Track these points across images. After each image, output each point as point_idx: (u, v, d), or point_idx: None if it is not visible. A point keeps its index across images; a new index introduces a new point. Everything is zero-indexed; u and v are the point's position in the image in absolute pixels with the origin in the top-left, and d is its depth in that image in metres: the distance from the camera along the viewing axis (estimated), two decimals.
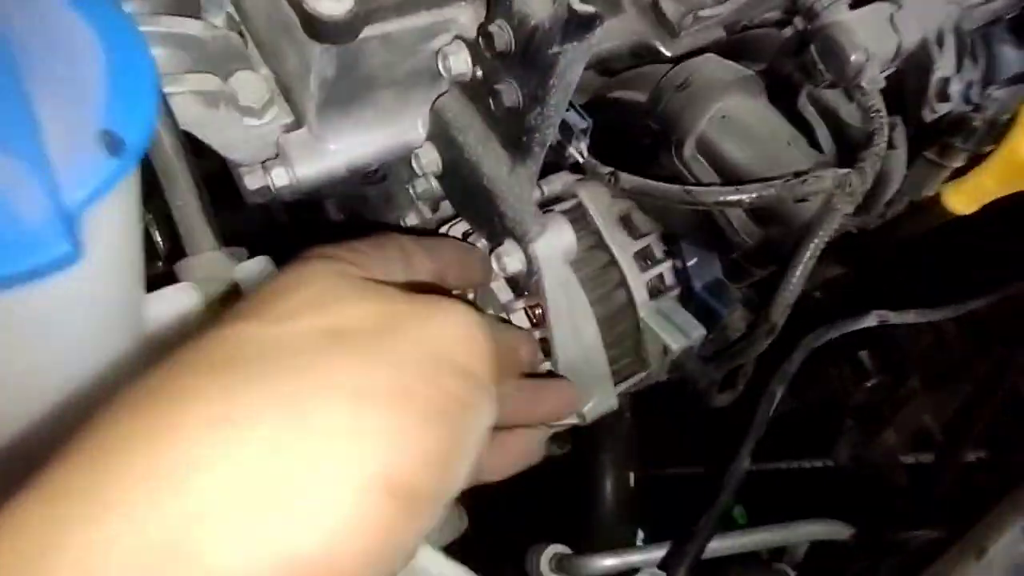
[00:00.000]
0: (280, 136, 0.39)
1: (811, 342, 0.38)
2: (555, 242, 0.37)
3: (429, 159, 0.41)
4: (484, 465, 0.31)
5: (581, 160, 0.37)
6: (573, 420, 0.45)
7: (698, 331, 0.44)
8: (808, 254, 0.33)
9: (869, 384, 0.57)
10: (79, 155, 0.17)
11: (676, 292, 0.47)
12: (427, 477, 0.19)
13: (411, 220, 0.50)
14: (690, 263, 0.47)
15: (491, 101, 0.34)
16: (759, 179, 0.32)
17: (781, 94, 0.41)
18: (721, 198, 0.31)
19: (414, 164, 0.42)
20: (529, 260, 0.37)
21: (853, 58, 0.35)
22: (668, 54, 0.40)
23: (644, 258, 0.46)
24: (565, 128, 0.37)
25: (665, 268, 0.46)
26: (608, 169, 0.35)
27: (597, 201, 0.45)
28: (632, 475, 0.59)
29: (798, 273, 0.34)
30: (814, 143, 0.41)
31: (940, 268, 0.54)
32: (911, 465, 0.55)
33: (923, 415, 0.55)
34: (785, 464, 0.57)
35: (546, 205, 0.45)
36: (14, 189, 0.16)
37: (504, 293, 0.43)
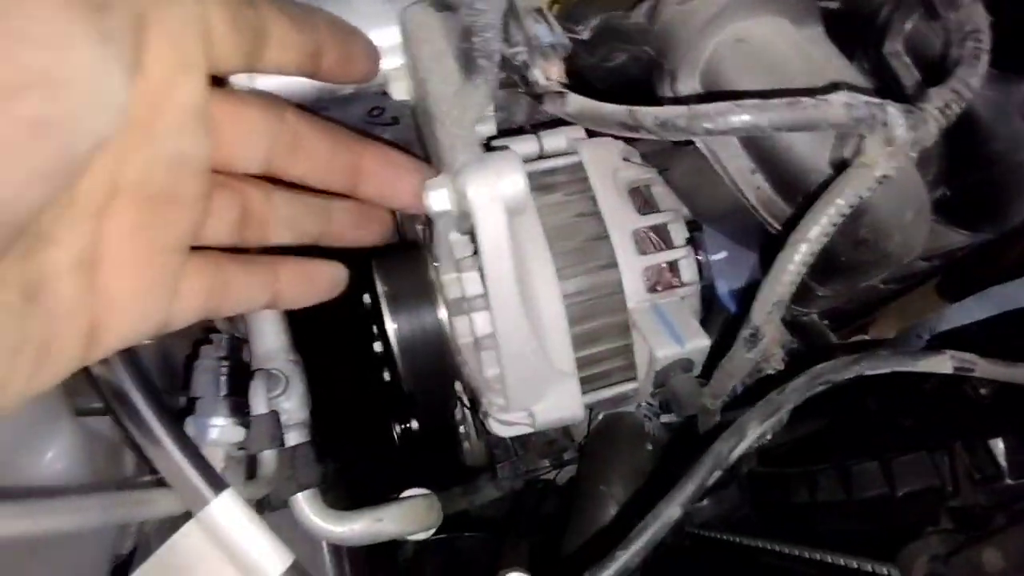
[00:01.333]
0: None
1: (825, 373, 0.26)
2: (492, 180, 0.29)
3: (399, 83, 0.35)
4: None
5: (542, 82, 0.29)
6: (524, 422, 0.37)
7: (697, 342, 0.33)
8: (809, 230, 0.22)
9: (995, 484, 0.40)
10: None
11: (694, 290, 0.36)
12: None
13: None
14: (715, 257, 0.36)
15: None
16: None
17: (861, 36, 0.29)
18: (670, 121, 0.22)
19: (387, 90, 0.36)
20: (457, 198, 0.30)
21: None
22: None
23: (650, 240, 0.36)
24: (531, 44, 0.29)
25: (680, 258, 0.36)
26: (556, 89, 0.27)
27: (601, 162, 0.37)
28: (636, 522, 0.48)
29: (794, 257, 0.23)
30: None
31: None
32: None
33: None
34: (826, 557, 0.42)
35: (543, 159, 0.37)
36: None
37: (460, 248, 0.36)
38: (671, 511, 0.27)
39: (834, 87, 0.22)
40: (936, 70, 0.28)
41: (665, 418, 0.52)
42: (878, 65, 0.29)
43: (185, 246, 0.22)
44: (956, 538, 0.36)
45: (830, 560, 0.41)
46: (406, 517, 0.48)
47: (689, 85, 0.28)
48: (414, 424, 0.54)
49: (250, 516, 0.26)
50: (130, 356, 0.26)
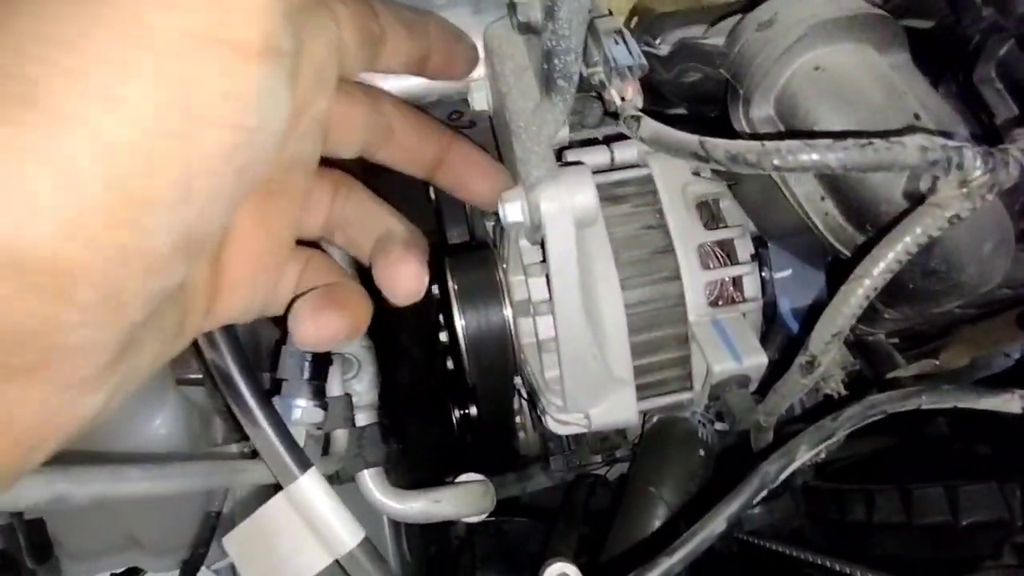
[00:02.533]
0: None
1: (881, 404, 0.26)
2: (563, 195, 0.31)
3: (479, 94, 0.37)
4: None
5: (618, 103, 0.30)
6: (580, 424, 0.38)
7: (755, 359, 0.34)
8: (875, 267, 0.23)
9: None
10: None
11: (757, 306, 0.37)
12: (83, 250, 0.14)
13: None
14: (780, 275, 0.37)
15: (513, 19, 0.30)
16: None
17: (951, 59, 0.29)
18: (741, 156, 0.22)
19: (468, 99, 0.38)
20: (530, 210, 0.31)
21: None
22: None
23: (714, 255, 0.37)
24: (608, 65, 0.30)
25: (744, 273, 0.36)
26: (632, 112, 0.28)
27: (670, 176, 0.37)
28: (683, 526, 0.49)
29: (856, 293, 0.23)
30: (991, 133, 0.28)
31: None
32: None
33: None
34: None
35: (614, 171, 0.38)
36: None
37: (529, 255, 0.37)
38: (716, 525, 0.28)
39: (911, 126, 0.22)
40: None
41: (719, 425, 0.52)
42: (967, 91, 0.29)
43: (292, 237, 0.25)
44: (1017, 574, 0.35)
45: None
46: (462, 500, 0.50)
47: (763, 110, 0.28)
48: (472, 411, 0.56)
49: (330, 494, 0.28)
50: (232, 335, 0.29)
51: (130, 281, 0.15)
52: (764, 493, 0.27)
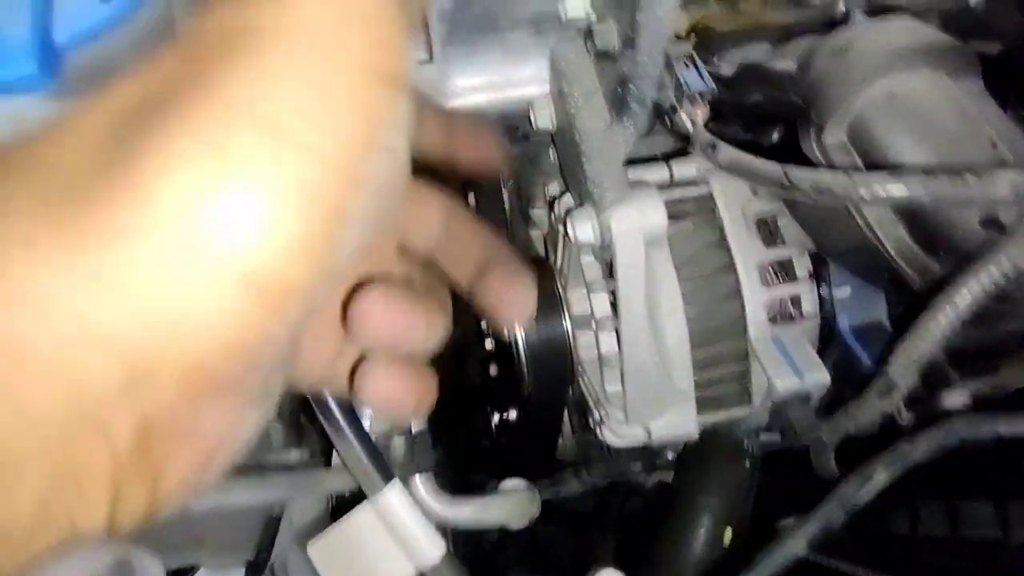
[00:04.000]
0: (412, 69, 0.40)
1: (960, 429, 0.27)
2: (634, 216, 0.31)
3: (543, 112, 0.38)
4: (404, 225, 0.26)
5: (690, 128, 0.31)
6: (639, 436, 0.39)
7: (817, 376, 0.34)
8: (958, 296, 0.23)
9: None
10: None
11: (814, 324, 0.37)
12: (300, 267, 0.15)
13: (553, 190, 0.48)
14: (840, 294, 0.37)
15: (587, 44, 0.30)
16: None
17: (1017, 86, 0.30)
18: (827, 188, 0.23)
19: (530, 117, 0.39)
20: (601, 231, 0.32)
21: None
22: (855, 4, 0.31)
23: (775, 272, 0.37)
24: (680, 89, 0.31)
25: (803, 291, 0.37)
26: (708, 138, 0.29)
27: (731, 194, 0.38)
28: (729, 532, 0.49)
29: (939, 320, 0.24)
30: None
31: None
32: None
33: None
34: None
35: (675, 188, 0.39)
36: (9, 10, 0.18)
37: (592, 271, 0.38)
38: (796, 544, 0.28)
39: (999, 160, 0.23)
40: None
41: (764, 436, 0.52)
42: None
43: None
44: None
45: None
46: (511, 508, 0.51)
47: (836, 136, 0.29)
48: (511, 415, 0.57)
49: (414, 506, 0.29)
50: None
51: (319, 297, 0.16)
52: (843, 516, 0.28)
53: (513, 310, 0.27)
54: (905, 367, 0.25)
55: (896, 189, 0.22)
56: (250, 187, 0.15)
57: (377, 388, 0.24)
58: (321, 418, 0.28)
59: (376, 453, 0.29)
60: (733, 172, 0.27)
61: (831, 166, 0.29)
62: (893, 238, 0.29)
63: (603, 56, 0.30)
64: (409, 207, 0.27)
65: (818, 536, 0.28)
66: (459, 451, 0.67)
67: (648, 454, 0.61)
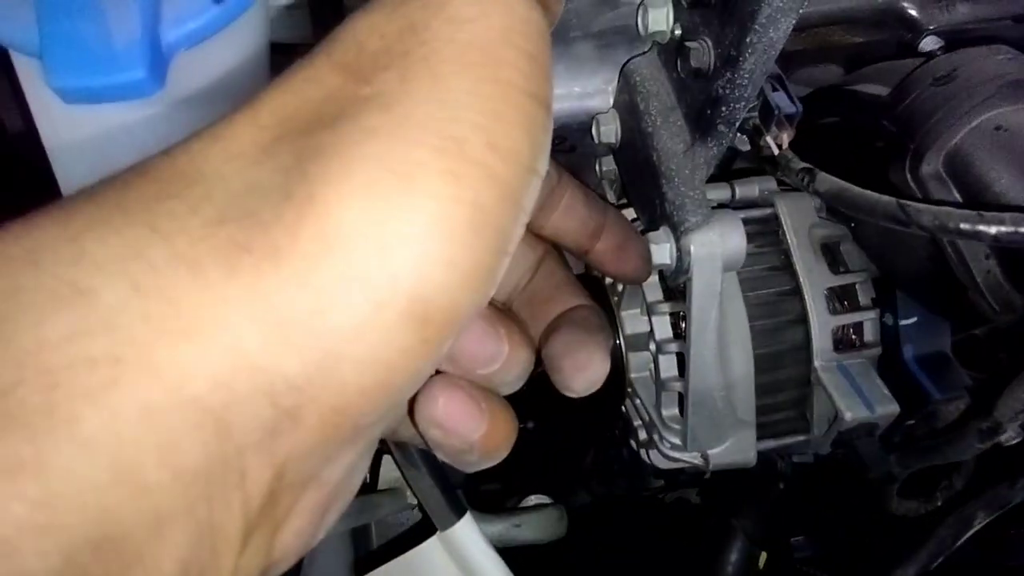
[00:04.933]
0: None
1: None
2: (715, 241, 0.30)
3: (608, 127, 0.37)
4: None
5: (776, 151, 0.30)
6: (695, 462, 0.38)
7: (887, 407, 0.34)
8: None
9: None
10: None
11: (875, 352, 0.37)
12: (465, 295, 0.14)
13: None
14: (905, 322, 0.37)
15: (679, 63, 0.29)
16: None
17: None
18: (952, 224, 0.22)
19: (593, 130, 0.38)
20: (679, 254, 0.31)
21: None
22: (929, 27, 0.30)
23: (840, 299, 0.37)
24: (767, 111, 0.30)
25: (867, 319, 0.36)
26: (803, 165, 0.28)
27: (797, 217, 0.37)
28: (764, 556, 0.49)
29: None
30: None
31: None
32: None
33: None
34: None
35: (737, 209, 0.38)
36: (116, 9, 0.17)
37: (653, 292, 0.37)
38: None
39: None
40: None
41: (796, 458, 0.52)
42: None
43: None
44: None
45: None
46: (540, 526, 0.50)
47: (932, 167, 0.28)
48: (529, 425, 0.56)
49: (484, 541, 0.28)
50: None
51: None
52: (941, 559, 0.27)
53: (573, 377, 0.25)
54: (1016, 410, 0.24)
55: (993, 227, 0.21)
56: (431, 210, 0.14)
57: (439, 407, 0.21)
58: (392, 448, 0.26)
59: (448, 486, 0.28)
60: (833, 201, 0.26)
61: (925, 197, 0.28)
62: (983, 271, 0.29)
63: (693, 75, 0.29)
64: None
65: None
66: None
67: (673, 472, 0.61)
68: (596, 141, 0.38)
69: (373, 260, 0.13)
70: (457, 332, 0.15)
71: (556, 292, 0.27)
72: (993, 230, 0.21)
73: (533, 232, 0.28)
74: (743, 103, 0.28)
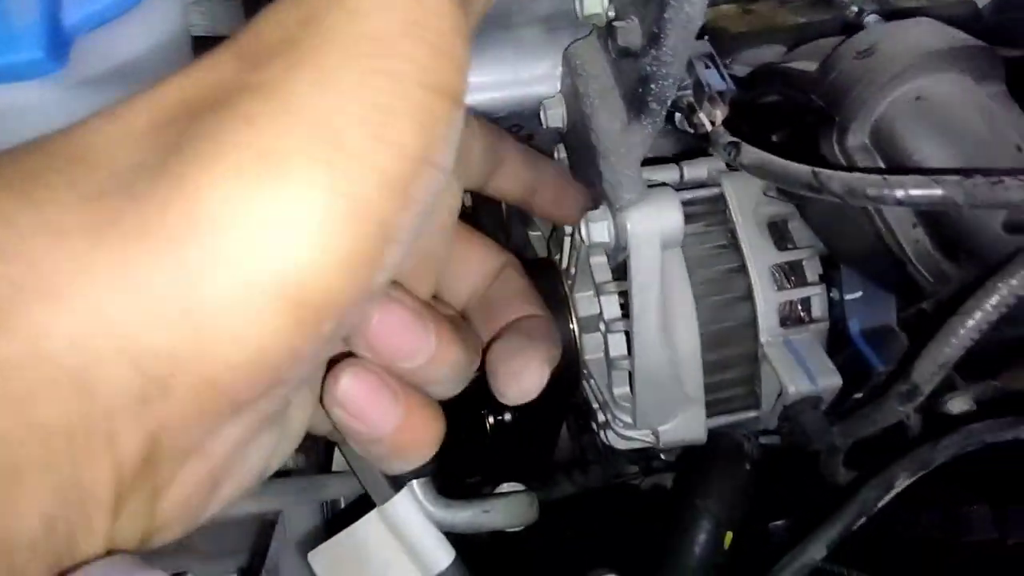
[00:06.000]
0: None
1: (981, 434, 0.27)
2: (652, 218, 0.31)
3: (555, 111, 0.37)
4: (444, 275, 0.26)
5: (709, 128, 0.30)
6: (647, 440, 0.39)
7: (830, 380, 0.34)
8: (990, 301, 0.23)
9: None
10: None
11: (823, 328, 0.37)
12: (342, 281, 0.15)
13: None
14: (850, 297, 0.37)
15: (610, 43, 0.30)
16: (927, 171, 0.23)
17: None
18: (859, 189, 0.23)
19: (541, 116, 0.38)
20: (617, 231, 0.32)
21: None
22: (855, 4, 0.30)
23: (786, 275, 0.37)
24: (699, 88, 0.31)
25: (813, 294, 0.37)
26: (730, 138, 0.28)
27: (743, 196, 0.38)
28: (730, 535, 0.49)
29: (967, 325, 0.24)
30: None
31: None
32: None
33: None
34: None
35: (686, 190, 0.39)
36: None
37: (602, 272, 0.38)
38: (815, 550, 0.28)
39: (1017, 152, 0.23)
40: None
41: (763, 439, 0.52)
42: None
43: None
44: None
45: None
46: (510, 512, 0.51)
47: (858, 139, 0.29)
48: (507, 416, 0.56)
49: (422, 513, 0.28)
50: None
51: (353, 316, 0.16)
52: (863, 520, 0.28)
53: (508, 384, 0.25)
54: (931, 372, 0.25)
55: (932, 191, 0.21)
56: (303, 198, 0.14)
57: (340, 386, 0.21)
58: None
59: None
60: (757, 173, 0.27)
61: (852, 168, 0.29)
62: (911, 241, 0.29)
63: (622, 55, 0.30)
64: (453, 252, 0.26)
65: (837, 542, 0.28)
66: (451, 454, 0.66)
67: (646, 456, 0.61)
68: (544, 126, 0.38)
69: (240, 241, 0.14)
70: (342, 318, 0.15)
71: (511, 300, 0.28)
72: (898, 193, 0.22)
73: (494, 241, 0.29)
74: (671, 80, 0.28)
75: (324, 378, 0.21)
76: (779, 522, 0.60)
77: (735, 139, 0.28)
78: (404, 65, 0.15)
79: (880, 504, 0.27)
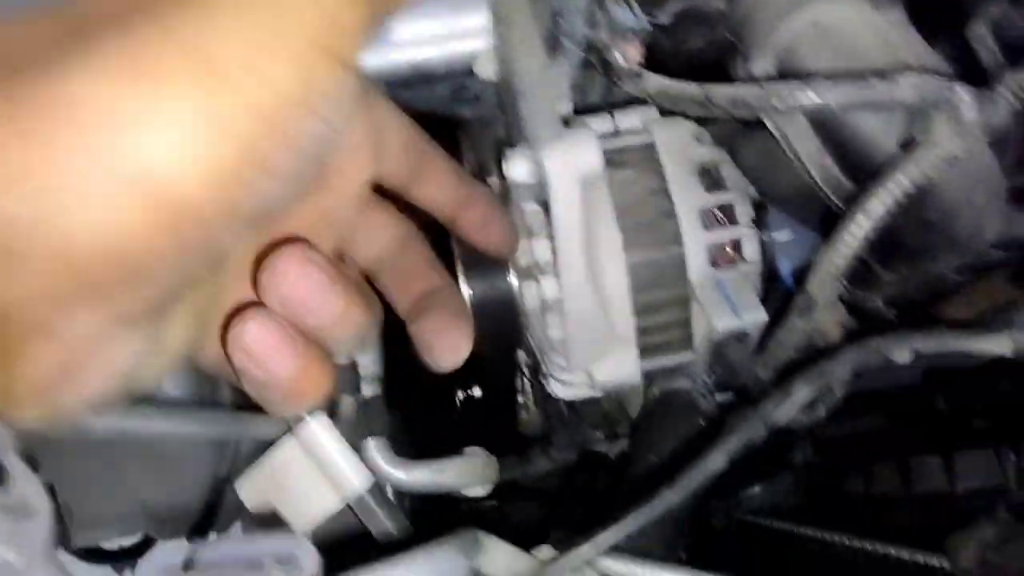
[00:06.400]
0: None
1: (878, 345, 0.27)
2: (570, 155, 0.32)
3: (487, 65, 0.38)
4: (351, 240, 0.27)
5: (623, 64, 0.31)
6: (585, 384, 0.39)
7: (754, 314, 0.35)
8: (869, 203, 0.24)
9: None
10: None
11: (755, 268, 0.38)
12: (204, 192, 0.16)
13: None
14: (780, 237, 0.38)
15: None
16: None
17: (946, 17, 0.30)
18: (741, 99, 0.23)
19: (474, 69, 0.39)
20: (538, 171, 0.32)
21: None
22: None
23: (715, 218, 0.38)
24: (612, 27, 0.31)
25: (743, 235, 0.37)
26: (633, 68, 0.29)
27: (673, 142, 0.38)
28: None
29: (851, 231, 0.24)
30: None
31: None
32: None
33: None
34: (874, 547, 0.42)
35: (615, 137, 0.39)
36: None
37: (534, 218, 0.38)
38: (715, 460, 0.29)
39: (906, 66, 0.23)
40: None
41: (719, 397, 0.53)
42: (961, 49, 0.29)
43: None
44: (1012, 527, 0.36)
45: (878, 549, 0.42)
46: (465, 471, 0.51)
47: (762, 66, 0.29)
48: (476, 392, 0.57)
49: (338, 438, 0.29)
50: None
51: (223, 237, 0.17)
52: (764, 432, 0.28)
53: (444, 356, 0.27)
54: (822, 281, 0.25)
55: (805, 96, 0.22)
56: (170, 108, 0.15)
57: (248, 336, 0.21)
58: None
59: None
60: (659, 98, 0.28)
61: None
62: (819, 166, 0.30)
63: None
64: (361, 218, 0.27)
65: (738, 452, 0.28)
66: (420, 425, 0.67)
67: (609, 421, 0.62)
68: (479, 76, 0.39)
69: (105, 133, 0.15)
70: (209, 232, 0.17)
71: (421, 269, 0.29)
72: (775, 101, 0.23)
73: (400, 205, 0.30)
74: (577, 15, 0.29)
75: (228, 321, 0.22)
76: (755, 489, 0.60)
77: (638, 70, 0.28)
78: (291, 25, 0.17)
79: (779, 414, 0.28)
